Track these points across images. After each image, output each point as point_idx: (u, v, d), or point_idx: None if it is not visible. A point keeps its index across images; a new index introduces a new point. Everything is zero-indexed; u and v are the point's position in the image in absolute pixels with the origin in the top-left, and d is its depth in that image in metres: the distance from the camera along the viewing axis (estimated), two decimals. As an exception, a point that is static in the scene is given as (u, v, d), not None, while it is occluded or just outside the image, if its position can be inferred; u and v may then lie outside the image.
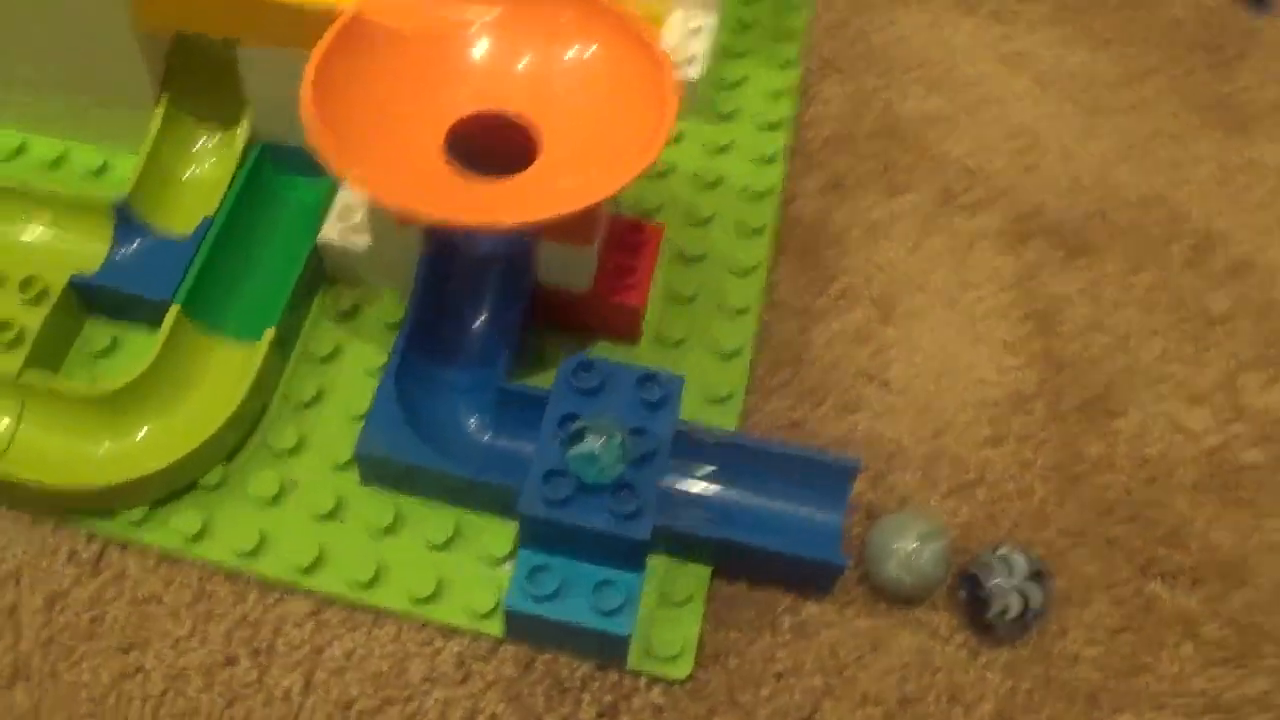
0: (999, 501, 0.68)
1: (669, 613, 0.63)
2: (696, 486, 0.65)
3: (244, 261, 0.69)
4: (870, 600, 0.64)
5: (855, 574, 0.65)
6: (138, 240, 0.69)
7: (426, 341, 0.66)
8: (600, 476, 0.59)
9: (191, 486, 0.64)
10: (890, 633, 0.64)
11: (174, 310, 0.66)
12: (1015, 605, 0.63)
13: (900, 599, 0.65)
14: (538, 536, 0.60)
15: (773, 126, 0.80)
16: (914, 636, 0.64)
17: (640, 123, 0.63)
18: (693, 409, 0.68)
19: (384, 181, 0.61)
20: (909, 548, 0.64)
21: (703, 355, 0.71)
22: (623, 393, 0.63)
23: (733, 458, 0.64)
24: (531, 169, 0.64)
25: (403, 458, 0.63)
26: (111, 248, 0.69)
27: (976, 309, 0.75)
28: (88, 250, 0.69)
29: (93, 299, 0.68)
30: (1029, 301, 0.76)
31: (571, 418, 0.61)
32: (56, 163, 0.75)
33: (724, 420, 0.68)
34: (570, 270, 0.67)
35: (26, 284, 0.67)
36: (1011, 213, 0.79)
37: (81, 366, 0.68)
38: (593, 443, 0.59)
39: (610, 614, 0.59)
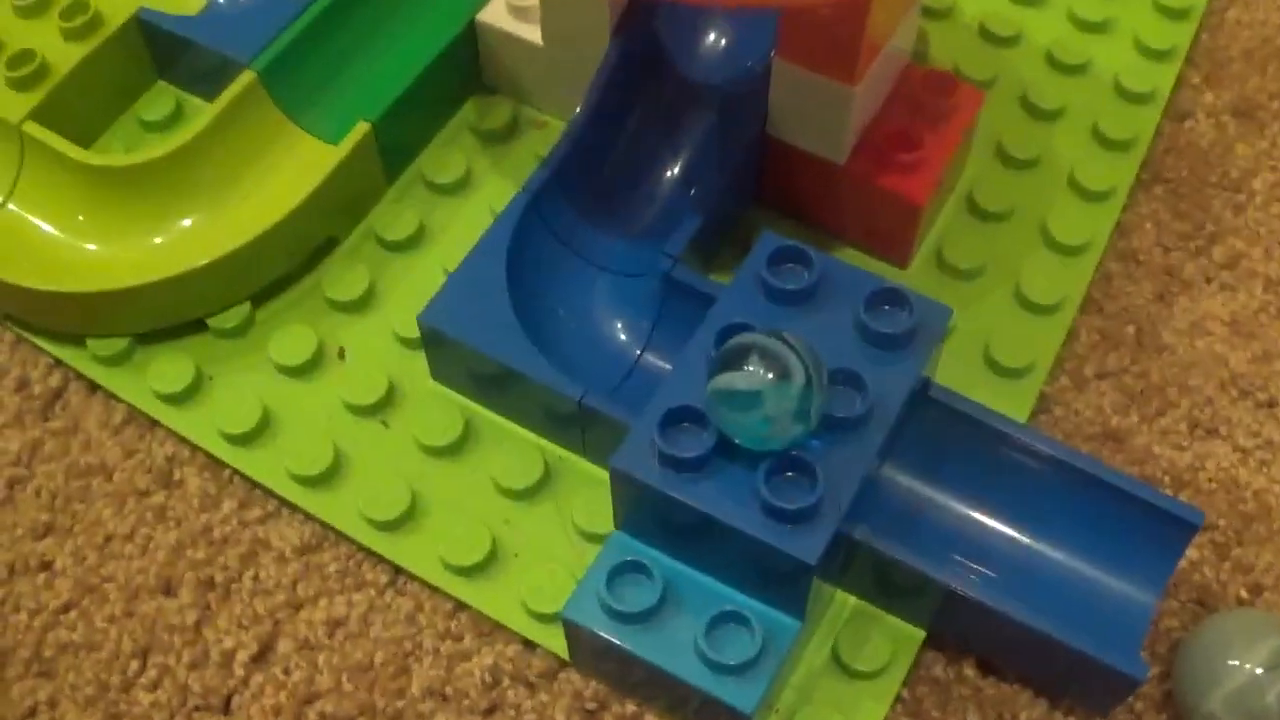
0: None
1: (841, 686, 0.35)
2: (932, 497, 0.37)
3: (367, 34, 0.44)
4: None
5: (1155, 690, 0.36)
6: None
7: (579, 186, 0.41)
8: (757, 437, 0.32)
9: (198, 327, 0.41)
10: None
11: (246, 77, 0.42)
12: None
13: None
14: (639, 515, 0.34)
15: (1176, 14, 0.49)
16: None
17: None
18: (961, 375, 0.40)
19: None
20: (1251, 672, 0.34)
21: (1001, 300, 0.42)
22: (842, 309, 0.35)
23: (1007, 466, 0.36)
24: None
25: (489, 349, 0.37)
26: (215, -8, 0.46)
27: None
28: (178, -7, 0.46)
29: (165, 52, 0.45)
30: None
31: (742, 329, 0.34)
32: None
33: (1009, 404, 0.39)
34: (819, 123, 0.40)
35: (73, 9, 0.44)
36: None
37: (121, 137, 0.45)
38: (758, 373, 0.31)
39: (729, 671, 0.32)
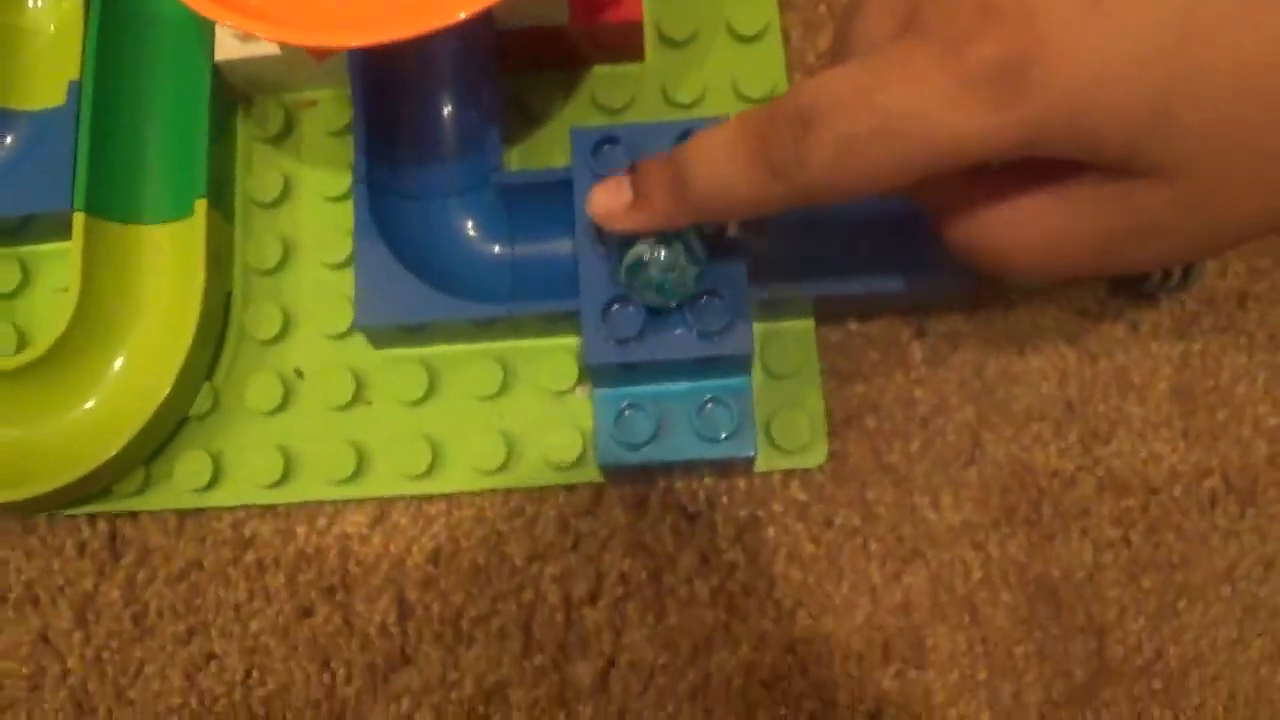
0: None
1: (782, 390, 0.47)
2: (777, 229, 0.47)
3: (138, 117, 0.48)
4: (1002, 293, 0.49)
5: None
6: (7, 135, 0.49)
7: (395, 146, 0.47)
8: (676, 293, 0.42)
9: (181, 423, 0.48)
10: (1035, 326, 0.49)
11: (79, 219, 0.46)
12: (1176, 270, 0.47)
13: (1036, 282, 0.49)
14: (613, 376, 0.44)
15: None
16: (1061, 322, 0.49)
17: None
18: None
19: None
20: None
21: (726, 46, 0.51)
22: None
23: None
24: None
25: (416, 316, 0.45)
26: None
27: None
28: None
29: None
30: None
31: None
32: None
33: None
34: (537, 2, 0.47)
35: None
36: None
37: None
38: (654, 254, 0.41)
39: (728, 439, 0.45)
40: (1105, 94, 0.30)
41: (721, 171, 0.36)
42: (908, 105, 0.32)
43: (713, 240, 0.42)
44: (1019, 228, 0.34)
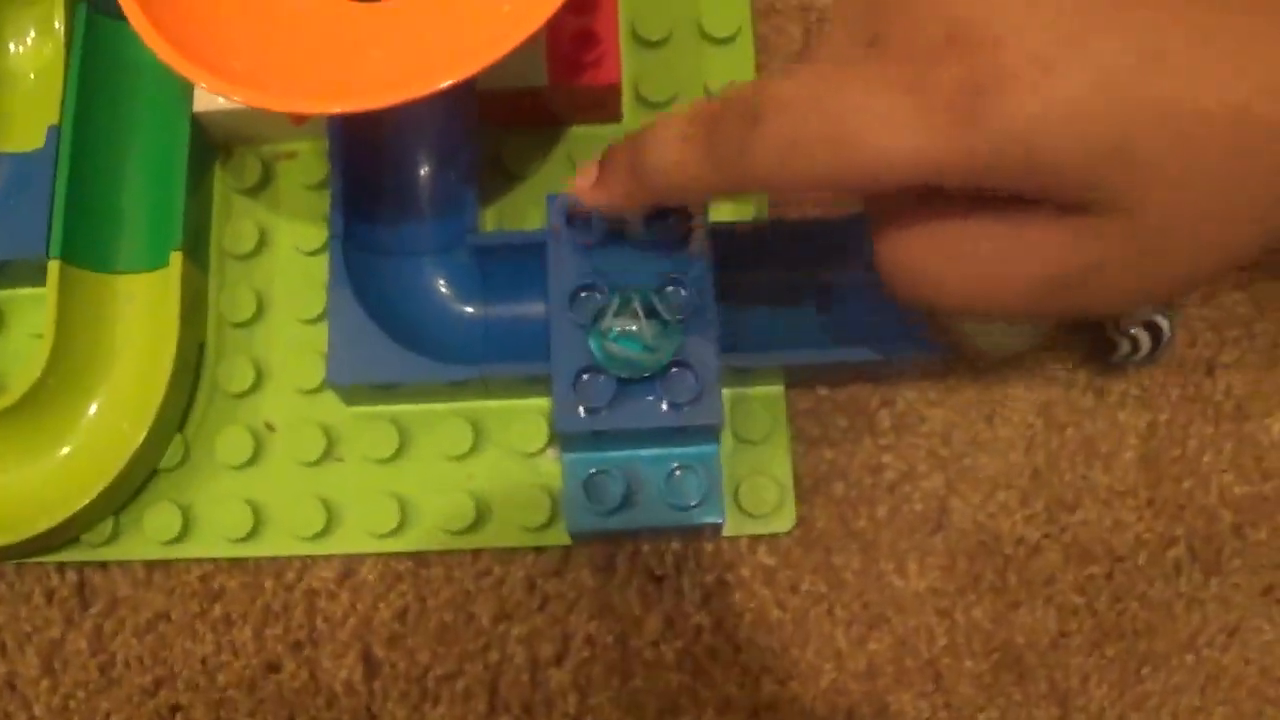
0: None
1: (751, 455, 0.48)
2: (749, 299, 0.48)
3: (116, 165, 0.49)
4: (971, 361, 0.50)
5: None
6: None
7: (369, 203, 0.48)
8: (641, 350, 0.42)
9: (152, 474, 0.48)
10: (1003, 394, 0.49)
11: (54, 267, 0.46)
12: (1145, 341, 0.48)
13: (1005, 353, 0.50)
14: (583, 442, 0.45)
15: None
16: (1029, 391, 0.49)
17: None
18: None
19: (248, 56, 0.41)
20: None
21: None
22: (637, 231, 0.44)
23: (780, 246, 0.47)
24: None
25: (388, 376, 0.46)
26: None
27: None
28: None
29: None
30: None
31: (587, 289, 0.43)
32: None
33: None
34: (516, 64, 0.47)
35: None
36: None
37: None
38: (611, 305, 0.42)
39: (697, 506, 0.45)
40: (1068, 126, 0.30)
41: (672, 155, 0.37)
42: (859, 116, 0.32)
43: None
44: (958, 259, 0.34)
